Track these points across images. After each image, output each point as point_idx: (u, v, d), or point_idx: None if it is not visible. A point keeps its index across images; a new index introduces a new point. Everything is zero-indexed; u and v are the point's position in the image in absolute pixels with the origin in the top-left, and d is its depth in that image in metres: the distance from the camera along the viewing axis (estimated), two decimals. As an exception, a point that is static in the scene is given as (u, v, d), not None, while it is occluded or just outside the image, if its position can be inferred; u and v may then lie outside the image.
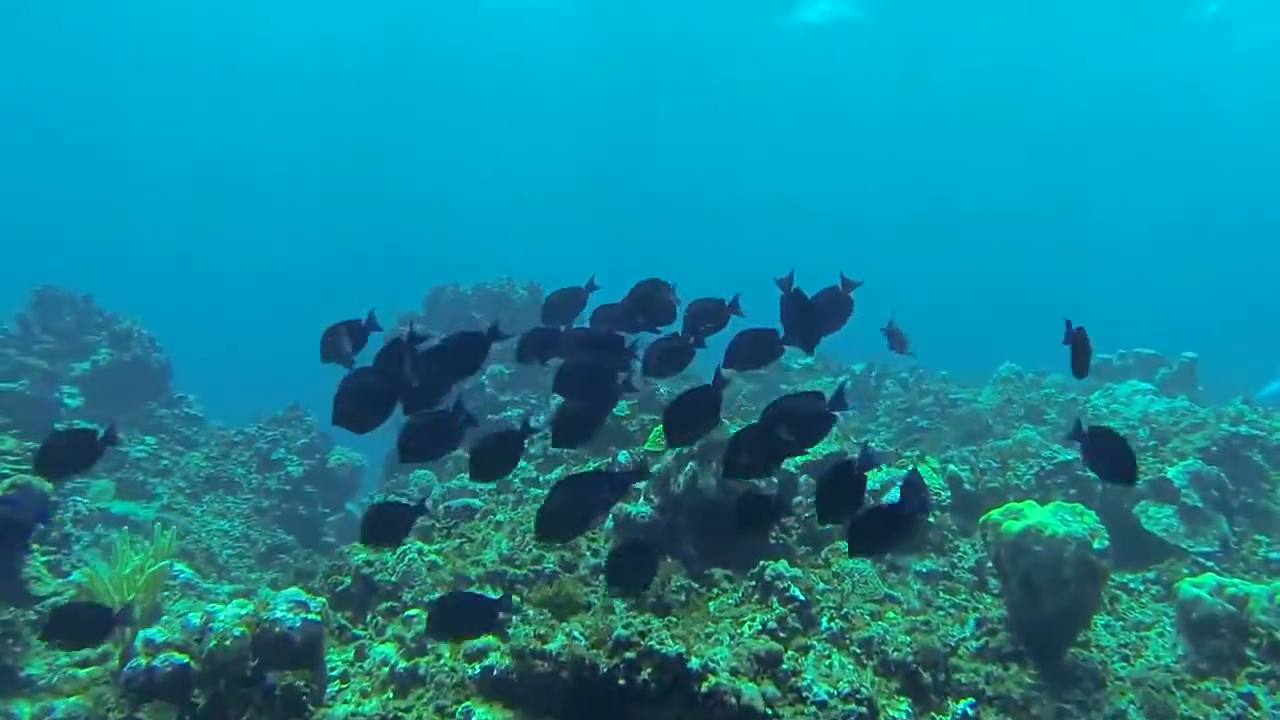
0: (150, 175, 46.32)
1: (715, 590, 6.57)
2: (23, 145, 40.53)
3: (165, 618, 6.32)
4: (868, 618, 6.47)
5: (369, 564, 6.90)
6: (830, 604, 6.46)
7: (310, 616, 5.03)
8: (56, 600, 6.68)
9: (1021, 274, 54.20)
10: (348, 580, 6.93)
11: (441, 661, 5.51)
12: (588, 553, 6.87)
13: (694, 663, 4.80)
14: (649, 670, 4.78)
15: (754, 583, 6.46)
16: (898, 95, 38.10)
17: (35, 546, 7.05)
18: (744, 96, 39.23)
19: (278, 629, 4.91)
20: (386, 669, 5.61)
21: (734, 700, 4.72)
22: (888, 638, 6.01)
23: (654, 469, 7.24)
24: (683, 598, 6.25)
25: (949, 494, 9.02)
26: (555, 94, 38.71)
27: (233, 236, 54.86)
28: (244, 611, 4.99)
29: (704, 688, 4.74)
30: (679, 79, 37.75)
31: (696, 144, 44.54)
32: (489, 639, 5.31)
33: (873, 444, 10.73)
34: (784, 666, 5.26)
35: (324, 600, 5.47)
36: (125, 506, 11.56)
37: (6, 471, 6.78)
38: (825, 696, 5.07)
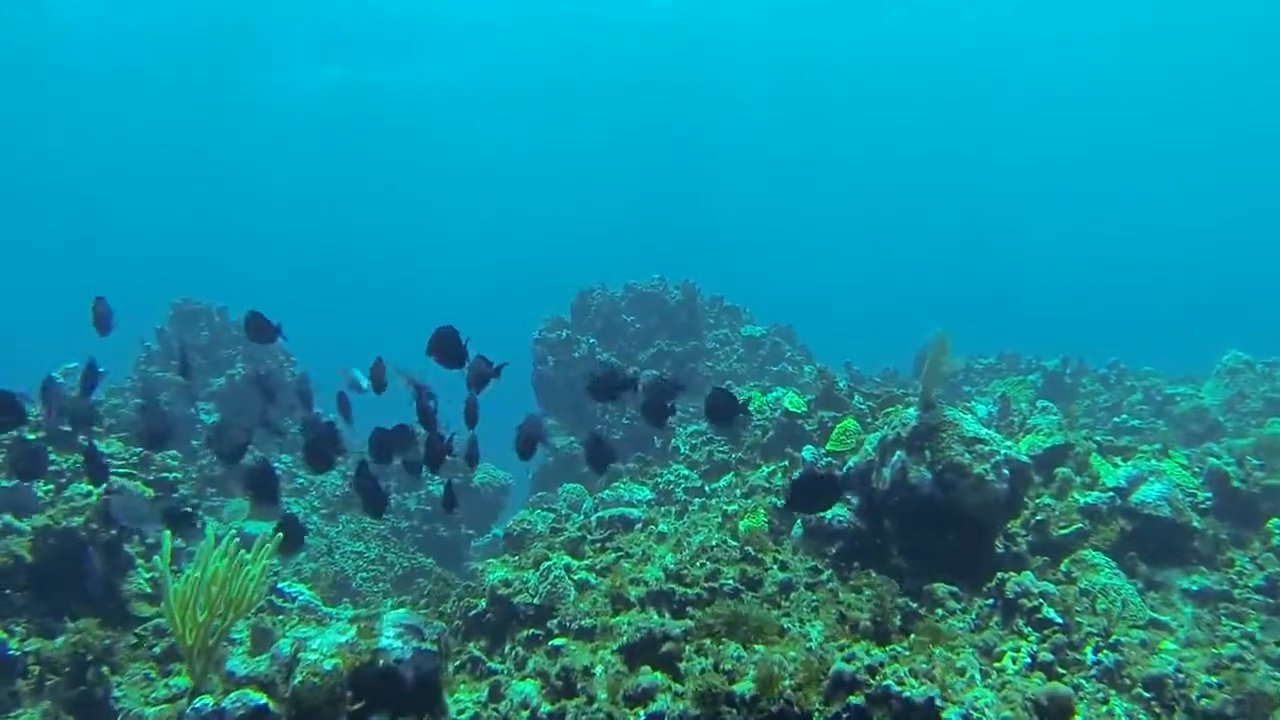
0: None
1: (940, 611, 5.13)
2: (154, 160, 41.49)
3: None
4: (1141, 648, 4.90)
5: (506, 584, 5.73)
6: (1094, 629, 4.92)
7: (424, 645, 3.84)
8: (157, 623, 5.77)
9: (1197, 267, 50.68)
10: (482, 603, 5.77)
11: (595, 706, 4.24)
12: (774, 566, 5.50)
13: (951, 713, 3.39)
14: (882, 721, 3.41)
15: (992, 601, 5.00)
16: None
17: (140, 562, 6.15)
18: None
19: (382, 661, 3.73)
20: (526, 713, 4.38)
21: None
22: (1188, 680, 4.44)
23: (851, 462, 5.84)
24: (898, 620, 4.84)
25: (1209, 495, 7.28)
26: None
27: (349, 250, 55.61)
28: (343, 639, 3.84)
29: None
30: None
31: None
32: (656, 676, 4.03)
33: (1081, 446, 8.98)
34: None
35: (442, 625, 4.27)
36: (259, 526, 10.81)
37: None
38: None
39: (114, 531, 5.73)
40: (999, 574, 5.11)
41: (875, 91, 37.00)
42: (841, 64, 34.54)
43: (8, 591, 5.52)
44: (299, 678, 3.62)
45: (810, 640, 4.31)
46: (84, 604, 5.50)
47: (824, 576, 5.52)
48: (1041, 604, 4.83)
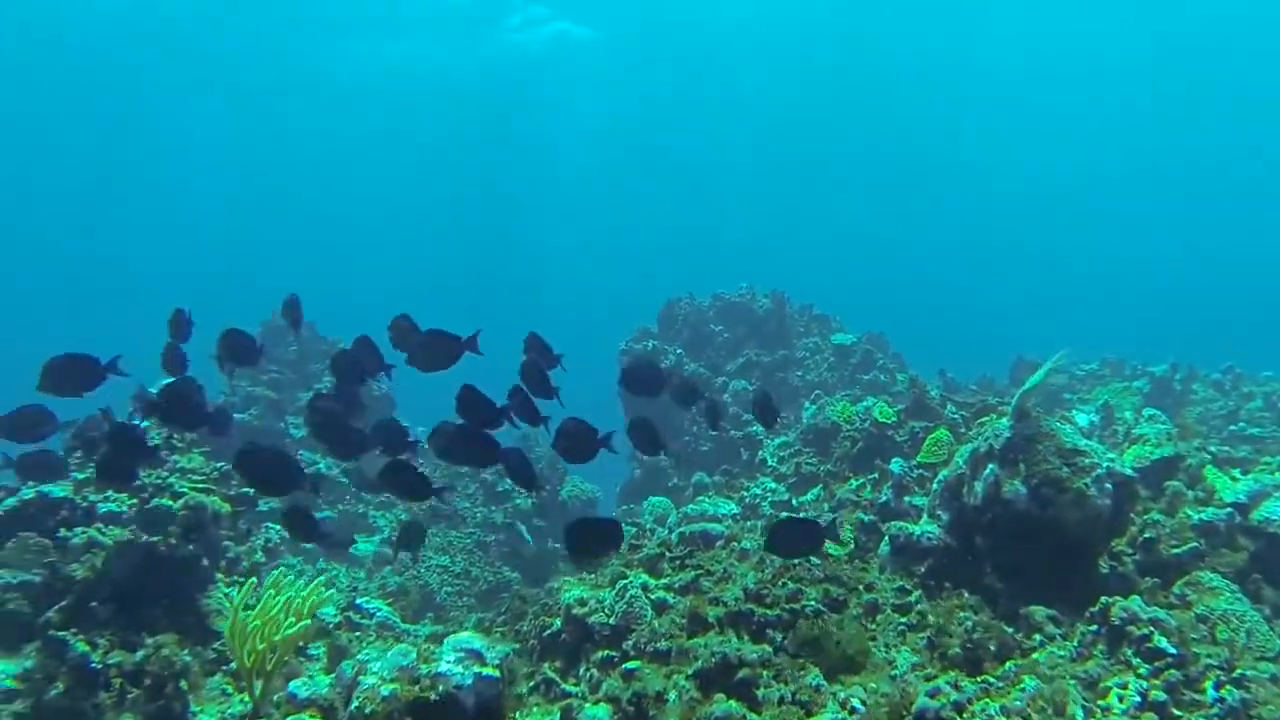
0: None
1: (1038, 637, 4.79)
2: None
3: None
4: (1271, 684, 4.49)
5: (582, 603, 5.56)
6: (1214, 662, 4.53)
7: (485, 671, 3.69)
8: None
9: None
10: (557, 622, 5.61)
11: (668, 734, 4.03)
12: (860, 587, 5.23)
13: (1048, 756, 3.11)
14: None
15: (1096, 627, 4.65)
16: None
17: (221, 576, 6.17)
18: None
19: (442, 686, 3.59)
20: (598, 740, 4.21)
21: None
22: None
23: (940, 475, 5.53)
24: (992, 647, 4.53)
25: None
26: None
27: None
28: (404, 662, 3.71)
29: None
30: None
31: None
32: (731, 705, 3.81)
33: (1194, 458, 8.44)
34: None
35: (506, 649, 4.12)
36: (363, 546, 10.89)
37: (184, 490, 5.91)
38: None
39: (191, 546, 5.74)
40: (1103, 597, 4.74)
41: (986, 92, 36.13)
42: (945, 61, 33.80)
43: (92, 604, 5.56)
44: (356, 702, 3.50)
45: (896, 668, 4.05)
46: (166, 619, 5.52)
47: (912, 598, 5.23)
48: (1152, 631, 4.46)
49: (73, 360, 5.09)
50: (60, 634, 5.34)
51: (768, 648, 4.48)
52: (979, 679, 3.86)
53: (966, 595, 5.00)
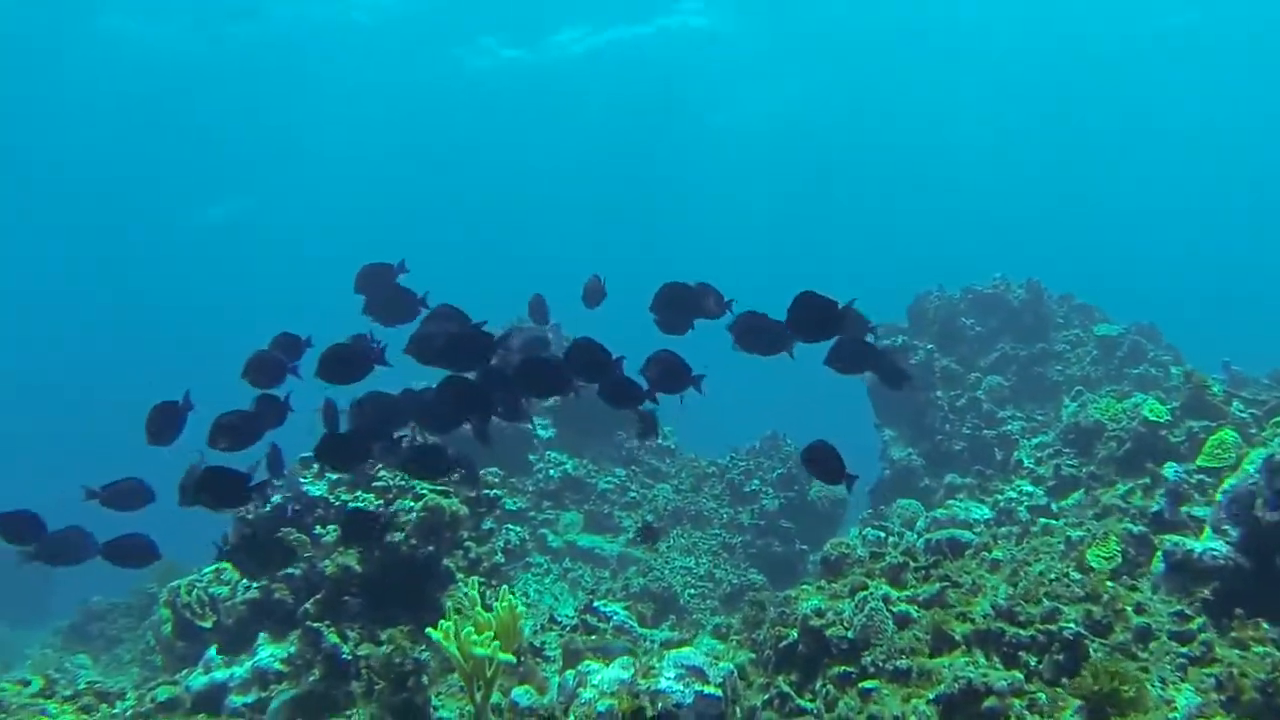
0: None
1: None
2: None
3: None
4: None
5: (819, 614, 5.29)
6: None
7: (707, 690, 3.53)
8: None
9: None
10: (794, 633, 5.37)
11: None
12: (1128, 608, 4.68)
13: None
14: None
15: None
16: None
17: (460, 576, 6.34)
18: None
19: (660, 704, 3.46)
20: (831, 766, 3.95)
21: None
22: None
23: (1227, 484, 4.88)
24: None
25: None
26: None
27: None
28: (625, 676, 3.61)
29: None
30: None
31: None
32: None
33: None
34: None
35: (730, 667, 3.93)
36: (592, 540, 11.07)
37: (424, 491, 6.12)
38: None
39: (432, 548, 5.92)
40: None
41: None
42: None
43: (344, 599, 5.84)
44: (573, 717, 3.43)
45: (1177, 710, 3.56)
46: (406, 614, 5.71)
47: (1194, 625, 4.62)
48: None
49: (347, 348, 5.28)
50: (316, 625, 5.65)
51: (1019, 674, 4.06)
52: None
53: (1266, 626, 4.37)
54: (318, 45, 28.48)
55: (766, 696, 5.09)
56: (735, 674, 3.97)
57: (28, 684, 6.23)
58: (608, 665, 3.74)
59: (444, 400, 4.97)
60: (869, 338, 5.43)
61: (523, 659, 5.40)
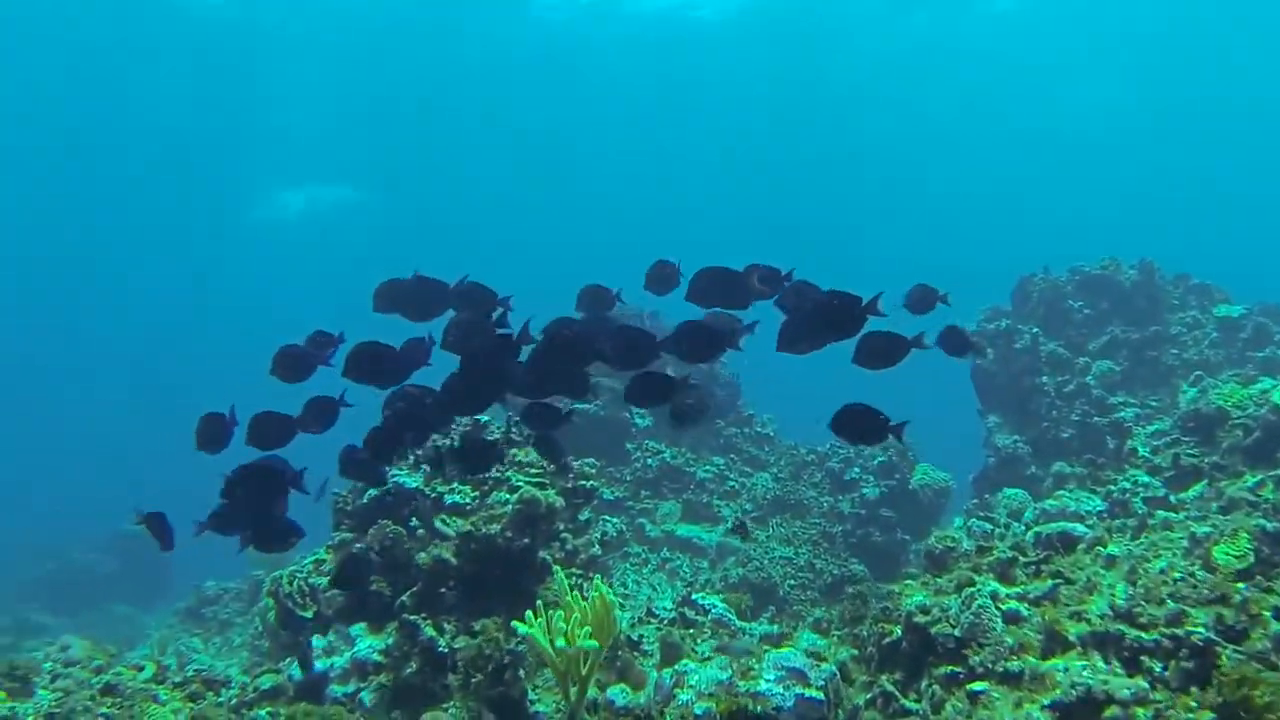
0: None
1: None
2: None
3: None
4: None
5: (924, 610, 5.10)
6: None
7: (808, 693, 3.40)
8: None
9: None
10: (898, 631, 5.19)
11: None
12: (1265, 612, 4.37)
13: None
14: None
15: None
16: None
17: (558, 567, 6.30)
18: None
19: (760, 707, 3.34)
20: (940, 773, 3.78)
21: None
22: None
23: None
24: None
25: None
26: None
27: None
28: (723, 677, 3.50)
29: None
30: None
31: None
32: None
33: None
34: None
35: (832, 669, 3.78)
36: (691, 530, 10.99)
37: (520, 483, 6.09)
38: None
39: (528, 540, 5.88)
40: None
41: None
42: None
43: (440, 591, 5.85)
44: (669, 718, 3.33)
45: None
46: (502, 607, 5.68)
47: (1341, 631, 4.30)
48: None
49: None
50: (412, 617, 5.66)
51: (1143, 681, 3.83)
52: None
53: None
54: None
55: (869, 695, 4.93)
56: (837, 675, 3.82)
57: (141, 669, 6.39)
58: (705, 665, 3.63)
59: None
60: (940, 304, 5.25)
61: (620, 652, 5.34)
